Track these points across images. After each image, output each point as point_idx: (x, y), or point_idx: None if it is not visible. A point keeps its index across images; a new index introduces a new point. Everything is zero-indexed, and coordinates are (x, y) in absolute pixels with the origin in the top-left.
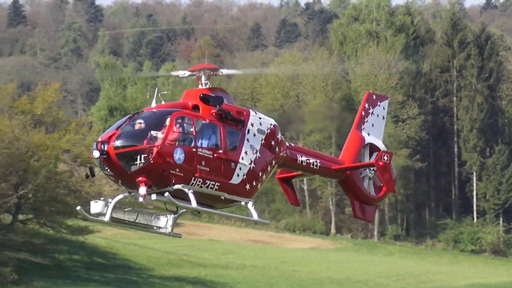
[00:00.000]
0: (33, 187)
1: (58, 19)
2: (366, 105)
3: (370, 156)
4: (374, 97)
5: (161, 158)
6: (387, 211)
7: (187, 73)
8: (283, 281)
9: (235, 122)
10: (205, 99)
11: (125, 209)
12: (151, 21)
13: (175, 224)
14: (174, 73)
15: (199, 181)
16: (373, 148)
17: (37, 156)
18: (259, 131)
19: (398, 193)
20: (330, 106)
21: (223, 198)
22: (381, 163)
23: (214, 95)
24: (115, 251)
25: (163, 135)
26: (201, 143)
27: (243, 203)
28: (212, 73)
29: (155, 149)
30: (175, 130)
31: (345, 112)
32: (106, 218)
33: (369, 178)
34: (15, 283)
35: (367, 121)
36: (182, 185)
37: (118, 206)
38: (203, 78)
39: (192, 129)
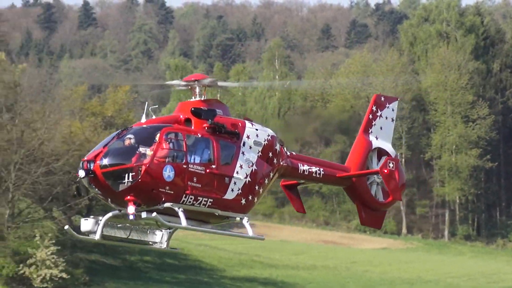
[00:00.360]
0: None
1: (128, 21)
2: (374, 108)
3: (379, 160)
4: (382, 99)
5: (149, 176)
6: (458, 211)
7: (182, 83)
8: (354, 281)
9: (230, 135)
10: (196, 113)
11: (118, 226)
12: (221, 22)
13: (170, 238)
14: (169, 82)
15: (191, 198)
16: (381, 152)
17: None
18: (256, 143)
19: (469, 193)
20: (400, 107)
21: (217, 214)
22: (386, 171)
23: (206, 109)
24: (186, 252)
25: (152, 152)
26: (193, 159)
27: (238, 218)
28: (206, 84)
29: (143, 167)
30: (165, 147)
31: (415, 112)
32: (97, 237)
33: (377, 184)
34: (87, 284)
35: (374, 124)
36: (172, 203)
37: (109, 223)
38: (197, 89)
39: (182, 145)
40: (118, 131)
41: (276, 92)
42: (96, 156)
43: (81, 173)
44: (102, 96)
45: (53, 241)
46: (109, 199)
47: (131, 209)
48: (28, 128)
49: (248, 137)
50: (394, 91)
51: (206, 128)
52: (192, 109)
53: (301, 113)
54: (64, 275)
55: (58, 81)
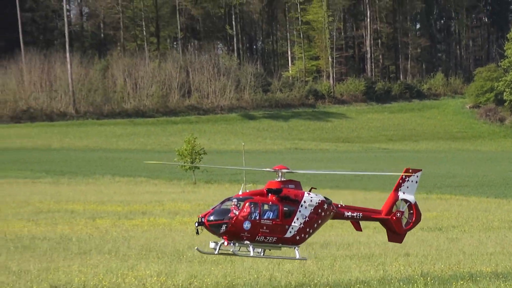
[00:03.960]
0: None
1: None
2: (404, 176)
3: (406, 205)
4: (410, 170)
5: (234, 227)
6: None
7: (271, 170)
8: None
9: (292, 201)
10: (269, 190)
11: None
12: None
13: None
14: (264, 169)
15: (262, 238)
16: (406, 201)
17: None
18: (310, 205)
19: None
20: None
21: (279, 245)
22: (394, 218)
23: (275, 188)
24: None
25: (238, 213)
26: (264, 216)
27: (292, 248)
28: (285, 172)
29: (231, 222)
30: (246, 210)
31: None
32: (215, 252)
33: (403, 219)
34: None
35: (403, 185)
36: (249, 241)
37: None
38: (279, 174)
39: (258, 209)
40: (224, 200)
41: None
42: (205, 214)
43: (196, 224)
44: None
45: None
46: (215, 236)
47: (225, 243)
48: None
49: (304, 201)
50: None
51: (275, 198)
52: (267, 189)
53: None
54: None
55: None
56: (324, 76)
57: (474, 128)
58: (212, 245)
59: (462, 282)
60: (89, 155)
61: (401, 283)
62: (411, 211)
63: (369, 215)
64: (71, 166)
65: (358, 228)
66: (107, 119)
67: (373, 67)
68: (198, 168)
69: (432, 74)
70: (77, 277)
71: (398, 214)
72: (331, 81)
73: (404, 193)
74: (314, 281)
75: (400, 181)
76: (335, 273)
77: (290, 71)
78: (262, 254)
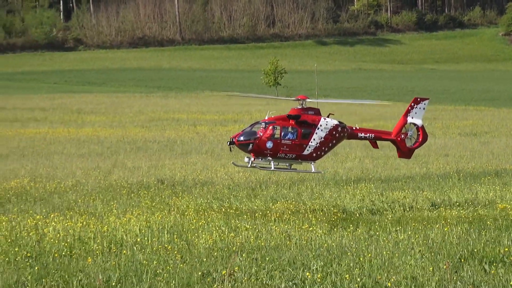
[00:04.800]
0: None
1: None
2: (413, 103)
3: (415, 127)
4: (419, 99)
5: (259, 146)
6: None
7: (293, 99)
8: None
9: (310, 125)
10: (289, 116)
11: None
12: None
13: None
14: (287, 98)
15: (283, 155)
16: (414, 124)
17: None
18: (325, 128)
19: None
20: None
21: (299, 160)
22: (399, 139)
23: (294, 114)
24: None
25: (262, 135)
26: (285, 137)
27: (309, 163)
28: (305, 100)
29: (256, 142)
30: (268, 132)
31: None
32: (248, 166)
33: (411, 139)
34: None
35: (412, 111)
36: (271, 157)
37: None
38: (300, 101)
39: (278, 131)
40: (253, 123)
41: None
42: (236, 135)
43: (228, 142)
44: None
45: None
46: (245, 153)
47: (252, 158)
48: None
49: (321, 125)
50: None
51: (295, 122)
52: (287, 115)
53: None
54: None
55: None
56: (383, 9)
57: (505, 52)
58: (246, 159)
59: (489, 177)
60: (192, 74)
61: (439, 178)
62: (419, 133)
63: (379, 135)
64: (177, 83)
65: (375, 146)
66: (207, 45)
67: (423, 1)
68: (280, 83)
69: (471, 7)
70: (179, 172)
71: (403, 136)
72: (389, 13)
73: (412, 117)
74: (369, 176)
75: (409, 108)
76: (387, 170)
77: (355, 5)
78: (289, 168)
